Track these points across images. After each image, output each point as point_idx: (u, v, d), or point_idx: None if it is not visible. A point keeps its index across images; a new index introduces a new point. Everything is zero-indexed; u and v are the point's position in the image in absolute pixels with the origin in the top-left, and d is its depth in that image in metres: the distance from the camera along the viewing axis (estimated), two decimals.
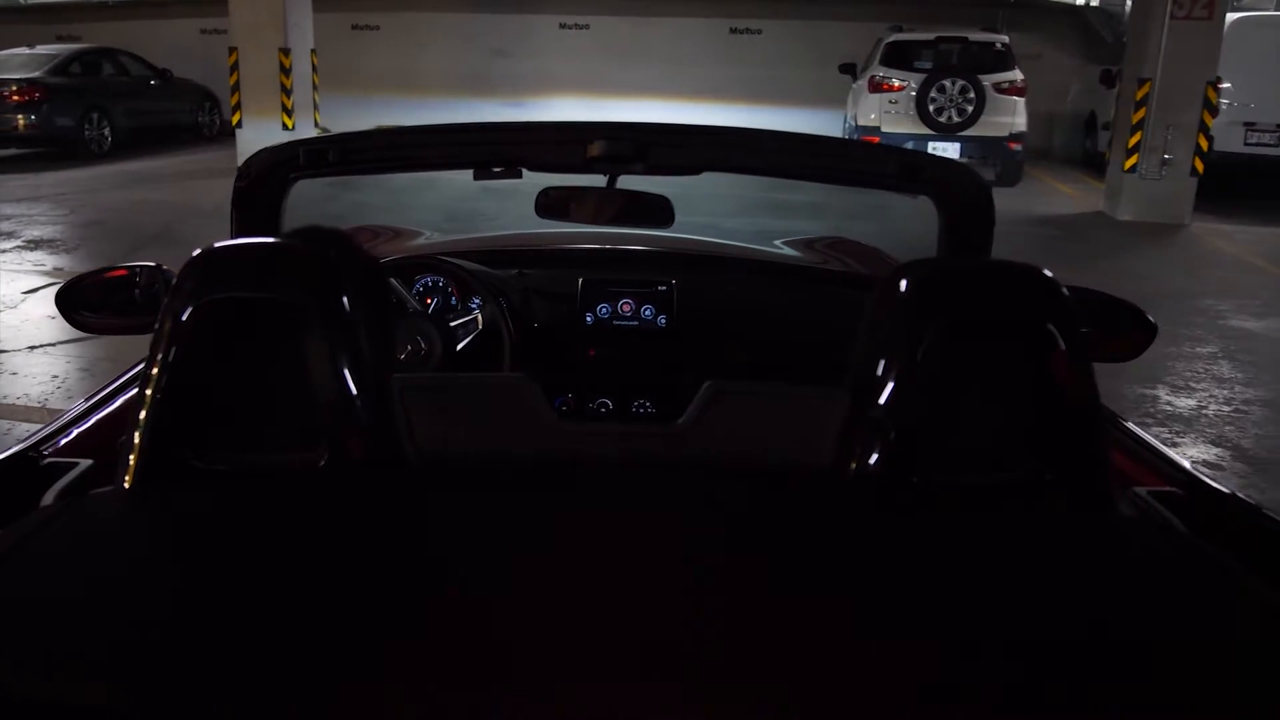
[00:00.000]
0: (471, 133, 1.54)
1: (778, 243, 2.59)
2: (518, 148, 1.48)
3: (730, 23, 15.71)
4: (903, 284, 1.03)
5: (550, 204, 1.58)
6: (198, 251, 1.01)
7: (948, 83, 10.92)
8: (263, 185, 1.45)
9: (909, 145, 10.82)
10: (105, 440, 1.31)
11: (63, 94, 12.18)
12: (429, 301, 1.81)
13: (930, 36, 11.51)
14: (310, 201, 1.62)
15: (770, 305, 1.88)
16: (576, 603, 0.72)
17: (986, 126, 10.84)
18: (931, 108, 10.93)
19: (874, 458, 1.00)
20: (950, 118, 10.92)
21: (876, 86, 11.24)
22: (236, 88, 11.17)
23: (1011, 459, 1.02)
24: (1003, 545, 0.87)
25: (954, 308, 1.02)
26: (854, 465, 1.01)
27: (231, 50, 11.08)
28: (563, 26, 16.11)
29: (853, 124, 12.19)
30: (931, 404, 1.00)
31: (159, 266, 1.57)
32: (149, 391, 0.95)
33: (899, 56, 11.36)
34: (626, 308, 1.82)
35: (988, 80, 10.84)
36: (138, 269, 1.58)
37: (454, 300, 1.82)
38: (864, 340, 1.05)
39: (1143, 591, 0.79)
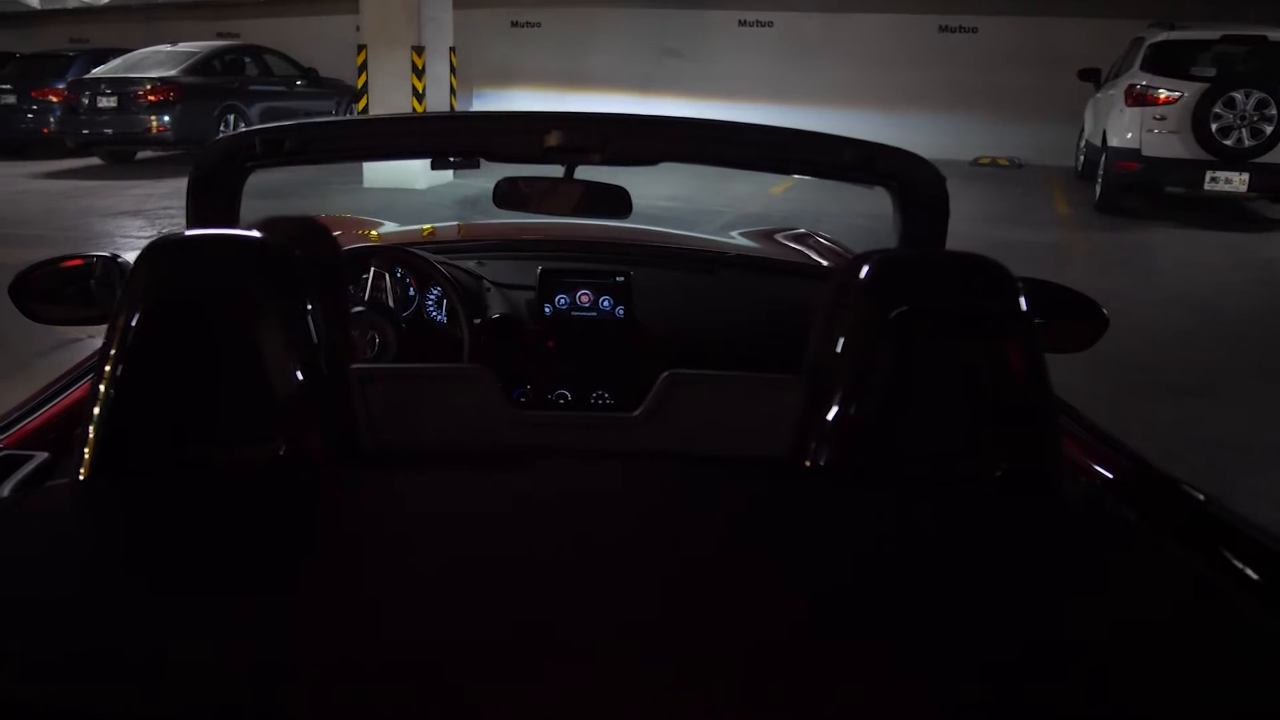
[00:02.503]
0: (429, 122, 1.72)
1: (734, 234, 2.73)
2: (475, 138, 1.49)
3: (940, 19, 13.46)
4: (857, 274, 1.05)
5: (508, 194, 1.58)
6: (152, 242, 1.00)
7: (1239, 95, 8.37)
8: (219, 174, 1.40)
9: (1183, 173, 8.44)
10: (61, 432, 1.30)
11: (199, 94, 11.31)
12: (387, 292, 1.79)
13: (1213, 35, 8.98)
14: None
15: (728, 296, 1.94)
16: (538, 589, 0.73)
17: None
18: (1215, 126, 8.42)
19: (828, 447, 1.01)
20: (1240, 140, 8.39)
21: (1138, 98, 8.80)
22: (365, 90, 9.88)
23: (964, 448, 1.03)
24: (948, 529, 0.88)
25: (907, 298, 1.03)
26: (809, 454, 1.02)
27: (360, 49, 9.80)
28: (743, 24, 14.30)
29: (1095, 142, 9.78)
30: (885, 394, 1.01)
31: (115, 257, 1.55)
32: (104, 384, 0.94)
33: (1169, 61, 8.89)
34: (585, 298, 1.80)
35: None
36: (94, 259, 1.55)
37: (412, 291, 1.81)
38: (819, 330, 1.07)
39: (1084, 578, 0.81)
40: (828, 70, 13.67)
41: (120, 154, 11.77)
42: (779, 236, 2.73)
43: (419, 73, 9.61)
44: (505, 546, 0.80)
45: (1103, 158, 9.25)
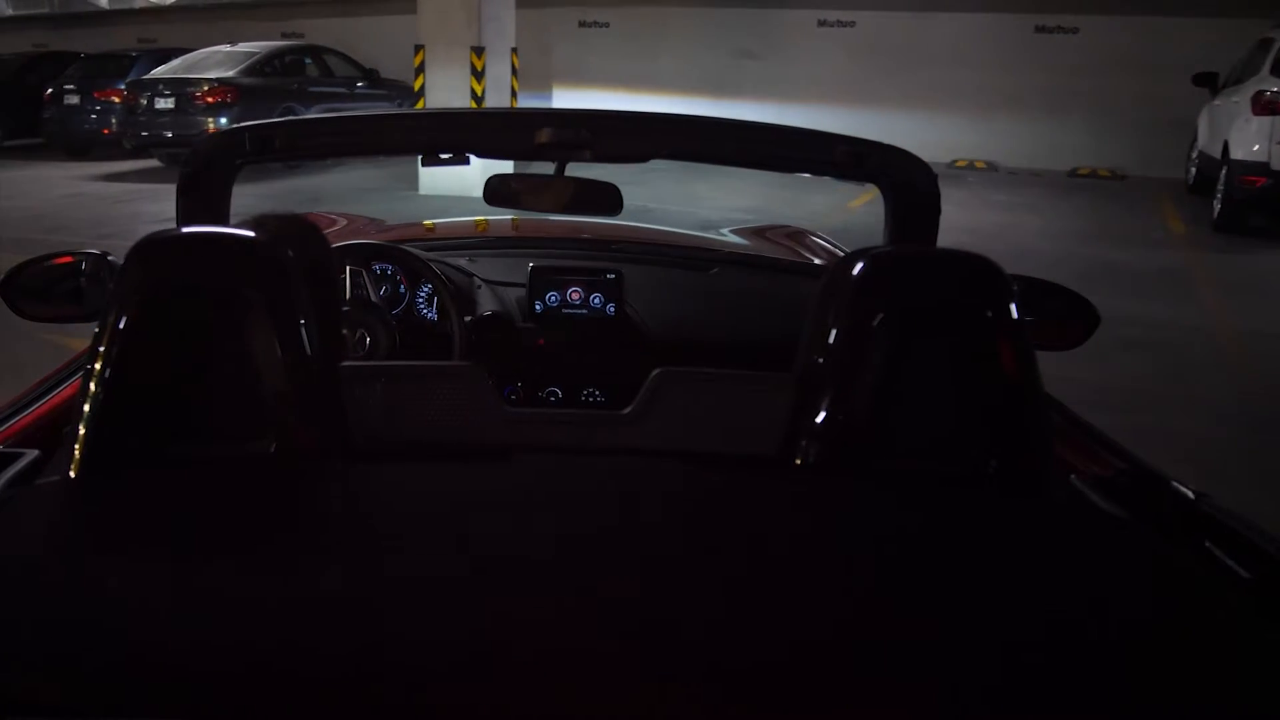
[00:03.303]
0: (421, 119, 1.77)
1: (725, 231, 2.68)
2: (467, 134, 1.48)
3: (1037, 19, 12.55)
4: (848, 272, 1.05)
5: (498, 191, 1.54)
6: (142, 240, 0.99)
7: None
8: (209, 171, 1.39)
9: None
10: (52, 430, 1.29)
11: (256, 95, 10.98)
12: (378, 289, 1.78)
13: None
14: None
15: (719, 294, 1.92)
16: (524, 586, 0.73)
17: None
18: None
19: (820, 444, 1.01)
20: None
21: (1268, 106, 7.88)
22: (422, 93, 9.41)
23: (955, 445, 1.03)
24: (937, 527, 0.88)
25: (899, 295, 1.04)
26: (800, 452, 1.02)
27: (418, 49, 9.34)
28: (822, 24, 13.57)
29: (1212, 154, 8.88)
30: (876, 391, 1.00)
31: (104, 255, 1.53)
32: (94, 381, 0.94)
33: None
34: (575, 296, 1.79)
35: None
36: (83, 256, 1.53)
37: (403, 288, 1.81)
38: (811, 328, 1.06)
39: (1073, 575, 0.81)
40: (913, 73, 12.86)
41: (178, 156, 11.51)
42: (770, 234, 2.75)
43: (478, 75, 9.11)
44: (493, 544, 0.79)
45: (1223, 171, 8.34)
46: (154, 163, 11.59)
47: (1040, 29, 12.58)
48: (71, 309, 1.52)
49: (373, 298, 1.75)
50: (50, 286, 1.53)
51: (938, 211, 1.38)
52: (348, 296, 1.72)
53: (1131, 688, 0.65)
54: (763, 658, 0.66)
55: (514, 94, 9.68)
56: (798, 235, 2.72)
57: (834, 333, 1.02)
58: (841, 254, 1.53)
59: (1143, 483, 1.19)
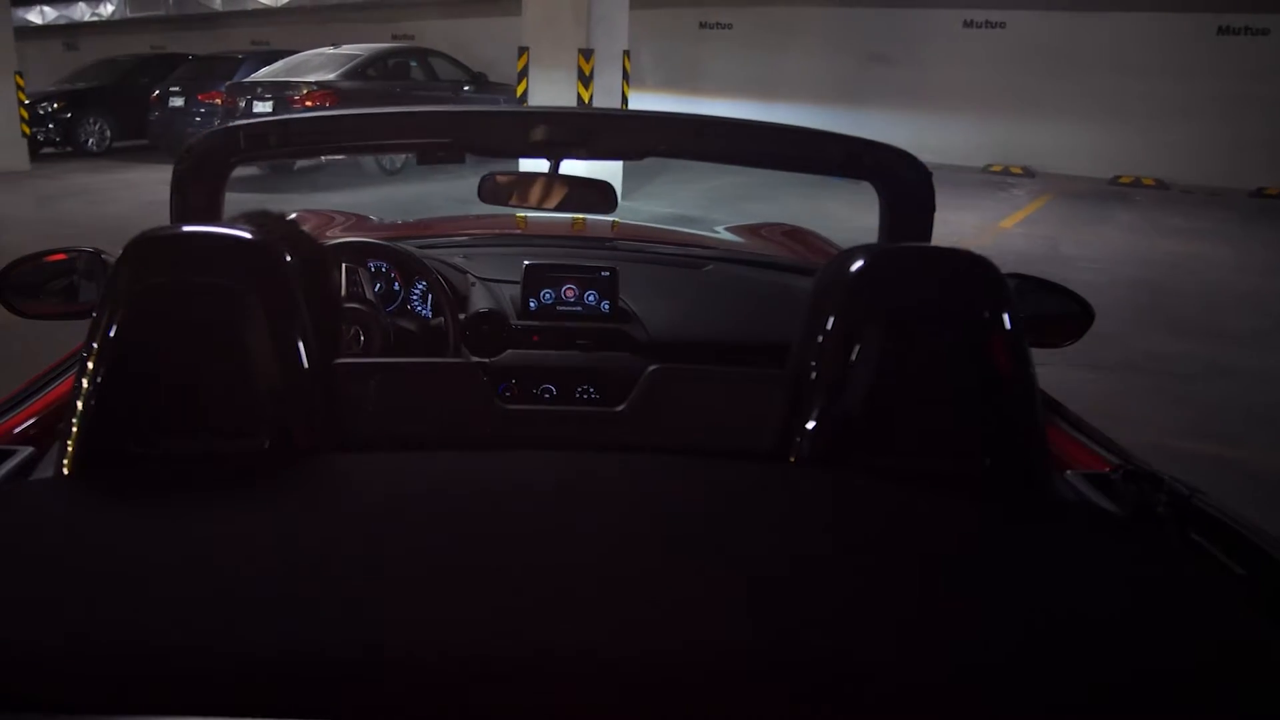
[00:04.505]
0: (416, 116, 1.58)
1: (719, 228, 2.74)
2: (461, 132, 1.47)
3: (1219, 19, 11.02)
4: (843, 269, 1.04)
5: (493, 189, 1.58)
6: (136, 237, 0.99)
7: None
8: (203, 168, 1.41)
9: None
10: (45, 427, 1.30)
11: (356, 99, 10.40)
12: (373, 286, 1.77)
13: None
14: None
15: (714, 291, 1.91)
16: (518, 584, 0.72)
17: None
18: None
19: (813, 441, 1.00)
20: None
21: None
22: (525, 98, 8.63)
23: (950, 442, 1.01)
24: (931, 523, 0.87)
25: (893, 293, 1.03)
26: (794, 449, 1.01)
27: (521, 51, 8.55)
28: (969, 25, 12.29)
29: None
30: (870, 389, 1.00)
31: (98, 252, 1.52)
32: (88, 378, 0.94)
33: None
34: (570, 293, 1.77)
35: None
36: (76, 254, 1.54)
37: (398, 285, 1.81)
38: (805, 325, 1.06)
39: (1067, 572, 0.80)
40: (1071, 79, 11.52)
41: (278, 165, 11.07)
42: (765, 231, 2.77)
43: (586, 79, 8.27)
44: (489, 541, 0.79)
45: None
46: (251, 170, 11.17)
47: (1224, 30, 11.04)
48: (66, 306, 1.53)
49: (367, 294, 1.72)
50: (43, 284, 1.53)
51: (932, 209, 1.39)
52: (342, 293, 1.70)
53: (1132, 685, 0.64)
54: (764, 657, 0.65)
55: (624, 100, 8.81)
56: (793, 233, 2.74)
57: (828, 330, 1.01)
58: (836, 252, 1.47)
59: (1137, 479, 1.15)
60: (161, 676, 0.61)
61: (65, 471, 0.93)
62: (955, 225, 8.33)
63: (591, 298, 1.76)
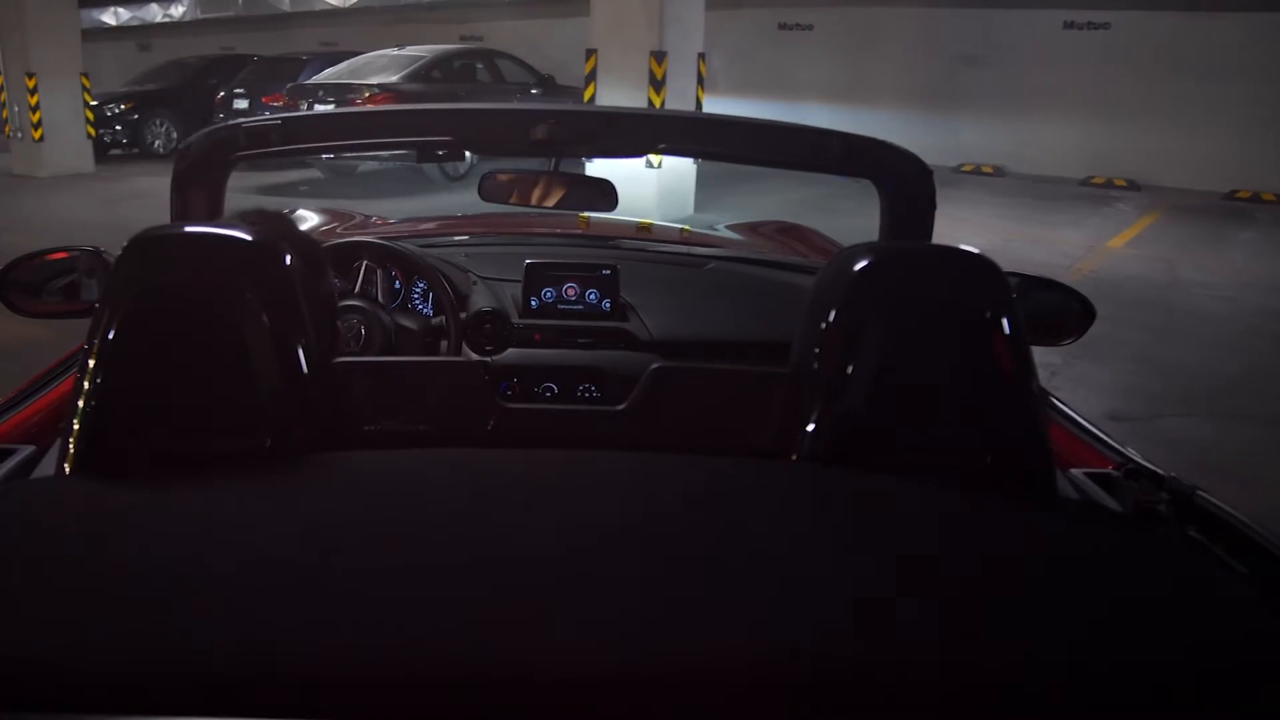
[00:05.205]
0: (417, 114, 1.62)
1: (720, 226, 2.81)
2: (462, 130, 1.48)
3: None
4: (844, 267, 1.04)
5: (494, 187, 1.59)
6: (137, 236, 1.00)
7: None
8: (204, 167, 1.42)
9: None
10: (47, 425, 1.30)
11: (419, 102, 10.00)
12: (373, 285, 1.78)
13: None
14: None
15: (715, 289, 1.92)
16: (519, 583, 0.71)
17: None
18: None
19: (815, 439, 1.01)
20: None
21: None
22: (592, 103, 8.12)
23: (951, 440, 1.01)
24: (932, 522, 0.86)
25: (894, 291, 1.03)
26: (796, 447, 1.01)
27: (589, 54, 8.05)
28: (1069, 26, 11.45)
29: None
30: (871, 387, 1.00)
31: (99, 251, 1.53)
32: (89, 377, 0.95)
33: None
34: (571, 291, 1.76)
35: None
36: (77, 252, 1.54)
37: (399, 284, 1.82)
38: (806, 323, 1.06)
39: (1071, 569, 0.80)
40: (1183, 85, 10.60)
41: (339, 168, 10.78)
42: (766, 229, 2.81)
43: (657, 84, 7.74)
44: (489, 540, 0.78)
45: None
46: (314, 173, 10.89)
47: None
48: (66, 305, 1.52)
49: (368, 293, 1.73)
50: (44, 282, 1.53)
51: (933, 208, 1.39)
52: (343, 292, 1.69)
53: (1133, 683, 0.64)
54: (774, 660, 0.64)
55: (698, 105, 8.26)
56: (794, 231, 2.79)
57: (830, 328, 1.02)
58: (837, 250, 1.40)
59: (1139, 478, 1.17)
60: (162, 675, 0.61)
61: (66, 470, 0.94)
62: (1060, 245, 7.62)
63: (593, 296, 1.75)
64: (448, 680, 0.60)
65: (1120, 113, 10.94)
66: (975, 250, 1.04)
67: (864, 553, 0.78)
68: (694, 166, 8.18)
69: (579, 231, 2.19)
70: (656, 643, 0.64)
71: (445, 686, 0.60)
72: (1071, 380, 4.39)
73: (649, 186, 7.83)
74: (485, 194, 1.58)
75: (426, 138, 1.47)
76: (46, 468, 1.10)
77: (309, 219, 2.44)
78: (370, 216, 2.54)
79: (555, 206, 1.57)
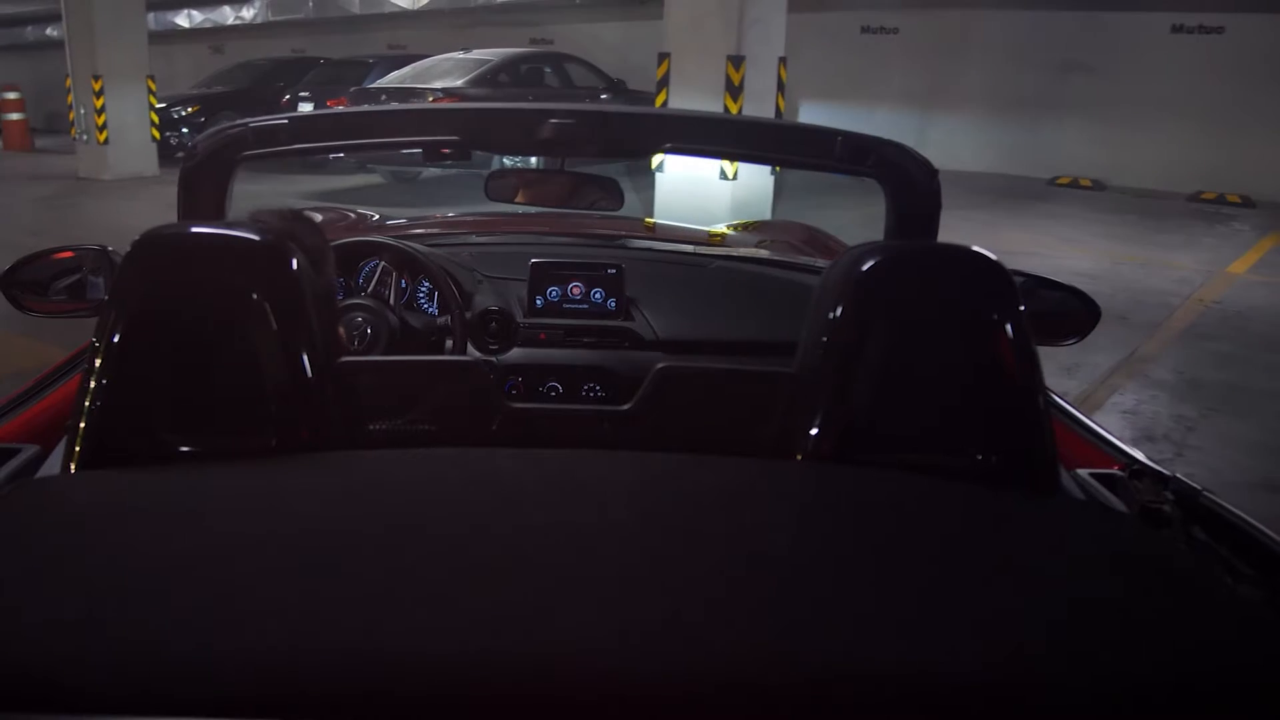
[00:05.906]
0: (423, 114, 1.66)
1: (723, 226, 2.81)
2: (469, 129, 1.46)
3: None
4: (850, 267, 1.04)
5: (500, 186, 1.60)
6: (144, 236, 1.00)
7: None
8: (211, 166, 1.41)
9: None
10: (52, 425, 1.31)
11: None
12: (378, 285, 1.77)
13: None
14: None
15: (721, 289, 1.90)
16: (524, 584, 0.70)
17: None
18: None
19: (820, 438, 1.00)
20: None
21: None
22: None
23: (956, 440, 1.01)
24: (938, 520, 0.86)
25: (899, 291, 1.03)
26: (801, 446, 1.01)
27: (662, 58, 7.58)
28: (1178, 29, 10.67)
29: None
30: (877, 386, 1.00)
31: (105, 250, 1.53)
32: (94, 376, 0.95)
33: None
34: (576, 291, 1.77)
35: None
36: (84, 251, 1.55)
37: (404, 283, 1.79)
38: (812, 322, 1.06)
39: (1076, 569, 0.79)
40: None
41: (403, 174, 10.48)
42: (772, 229, 2.87)
43: (735, 90, 7.23)
44: (493, 539, 0.78)
45: None
46: (376, 179, 10.61)
47: None
48: (73, 304, 1.51)
49: (374, 292, 1.72)
50: (51, 281, 1.52)
51: (938, 208, 1.38)
52: (348, 291, 1.70)
53: (1138, 684, 0.64)
54: (783, 660, 0.64)
55: (778, 113, 7.73)
56: (800, 230, 2.77)
57: (836, 327, 1.01)
58: (843, 249, 1.38)
59: (1145, 478, 1.16)
60: (167, 675, 0.61)
61: (71, 469, 0.93)
62: (1175, 268, 6.93)
63: (598, 295, 1.74)
64: (451, 680, 0.60)
65: (1233, 123, 10.15)
66: (981, 250, 1.04)
67: (869, 553, 0.77)
68: (771, 178, 7.67)
69: (584, 230, 2.21)
70: (661, 644, 0.63)
71: (448, 686, 0.59)
72: (1213, 439, 3.78)
73: (722, 199, 7.34)
74: (491, 192, 1.59)
75: (435, 138, 1.45)
76: (51, 467, 1.11)
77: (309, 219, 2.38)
78: (369, 215, 2.56)
79: (560, 205, 1.56)
